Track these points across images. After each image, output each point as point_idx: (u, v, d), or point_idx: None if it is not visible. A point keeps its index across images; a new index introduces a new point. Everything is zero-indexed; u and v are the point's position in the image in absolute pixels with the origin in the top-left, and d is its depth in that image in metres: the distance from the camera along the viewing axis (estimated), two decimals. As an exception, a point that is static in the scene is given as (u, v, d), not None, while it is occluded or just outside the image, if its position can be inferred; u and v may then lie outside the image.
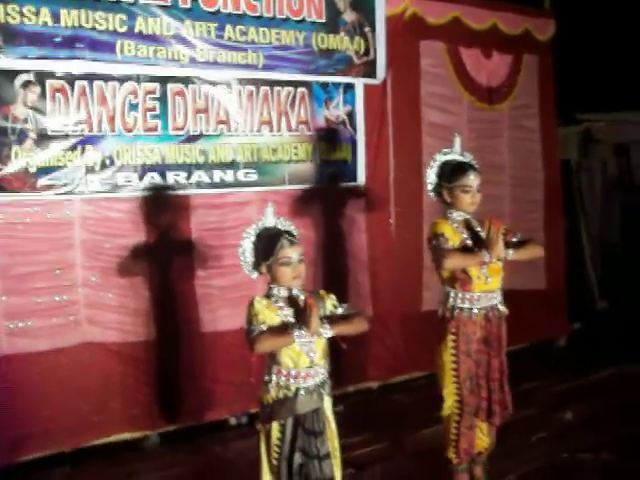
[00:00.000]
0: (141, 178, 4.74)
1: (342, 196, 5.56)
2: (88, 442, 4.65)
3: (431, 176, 3.86)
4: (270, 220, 3.23)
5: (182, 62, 4.78)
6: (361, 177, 5.60)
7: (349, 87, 5.49)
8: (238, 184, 5.10)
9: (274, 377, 3.10)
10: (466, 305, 3.71)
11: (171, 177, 4.84)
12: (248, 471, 4.32)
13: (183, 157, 4.88)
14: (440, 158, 3.86)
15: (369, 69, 5.53)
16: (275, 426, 3.11)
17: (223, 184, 5.04)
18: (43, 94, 4.41)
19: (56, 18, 4.34)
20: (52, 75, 4.43)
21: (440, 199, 3.84)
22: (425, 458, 4.47)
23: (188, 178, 4.90)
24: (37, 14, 4.29)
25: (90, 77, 4.54)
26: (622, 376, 5.96)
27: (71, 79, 4.48)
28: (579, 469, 4.31)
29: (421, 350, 5.84)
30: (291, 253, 3.11)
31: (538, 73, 6.68)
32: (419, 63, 5.89)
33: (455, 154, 3.87)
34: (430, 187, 3.88)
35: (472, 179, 3.70)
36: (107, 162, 4.63)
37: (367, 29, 5.47)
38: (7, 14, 4.21)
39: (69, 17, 4.38)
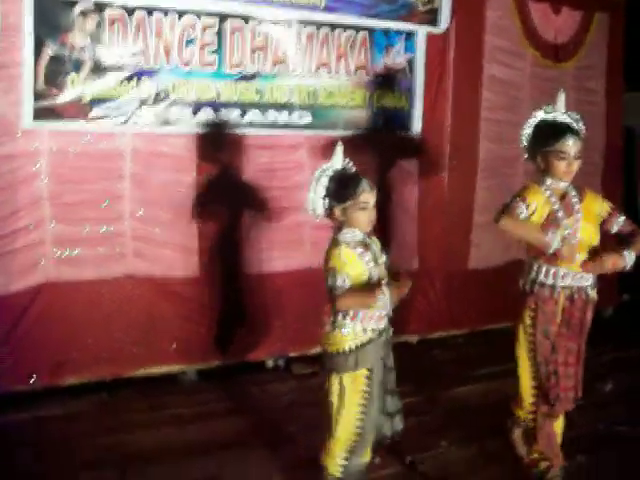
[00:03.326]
0: (194, 114, 4.70)
1: (396, 145, 5.45)
2: (127, 373, 4.73)
3: (526, 136, 3.42)
4: (339, 160, 3.13)
5: (242, -1, 4.70)
6: (417, 127, 5.48)
7: (411, 35, 5.33)
8: (292, 126, 5.03)
9: (348, 323, 3.06)
10: (549, 281, 3.36)
11: (225, 115, 4.79)
12: (280, 414, 4.45)
13: (238, 95, 4.82)
14: (538, 116, 3.41)
15: (432, 17, 5.36)
16: (362, 372, 3.08)
17: (277, 125, 4.98)
18: (101, 23, 4.37)
19: (117, -55, 4.29)
20: (111, 4, 4.37)
21: (534, 163, 3.42)
22: (458, 415, 4.48)
23: (242, 117, 4.84)
24: (98, -61, 4.24)
25: (148, 9, 4.47)
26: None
27: (130, 9, 4.42)
28: (614, 440, 4.24)
29: (463, 308, 5.85)
30: (370, 198, 3.06)
31: (608, 33, 6.39)
32: (485, 14, 5.68)
33: (557, 113, 3.38)
34: (524, 147, 3.47)
35: (570, 145, 3.25)
36: (161, 96, 4.59)
37: (432, -26, 5.30)
38: (68, -63, 4.17)
39: (129, -55, 4.32)
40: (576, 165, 3.31)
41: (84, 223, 4.53)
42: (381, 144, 5.34)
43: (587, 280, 3.38)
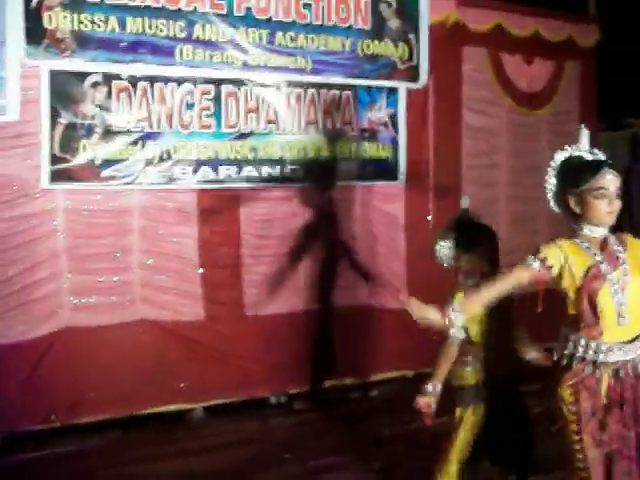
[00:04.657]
0: (195, 172, 5.18)
1: (383, 192, 5.89)
2: (139, 410, 5.11)
3: (551, 180, 2.92)
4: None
5: (235, 66, 5.20)
6: (402, 175, 5.92)
7: (392, 91, 5.82)
8: (285, 179, 5.50)
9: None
10: (589, 356, 2.78)
11: (223, 171, 5.26)
12: (280, 448, 4.78)
13: (234, 153, 5.29)
14: (562, 156, 2.92)
15: (412, 74, 5.85)
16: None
17: (271, 179, 5.44)
18: (109, 94, 4.89)
19: (122, 25, 4.82)
20: (118, 77, 4.91)
21: (566, 210, 2.87)
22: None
23: (238, 172, 5.31)
24: (106, 22, 4.77)
25: (151, 79, 5.00)
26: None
27: (134, 80, 4.95)
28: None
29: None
30: (609, 184, 2.72)
31: (580, 79, 6.86)
32: (461, 68, 6.18)
33: (582, 151, 2.92)
34: (550, 194, 2.94)
35: (609, 180, 2.75)
36: (165, 156, 5.08)
37: (411, 36, 5.79)
38: (80, 22, 4.71)
39: (134, 24, 4.86)
40: (617, 204, 2.78)
41: (97, 274, 4.98)
42: (368, 192, 5.80)
43: (636, 351, 2.80)
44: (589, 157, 2.88)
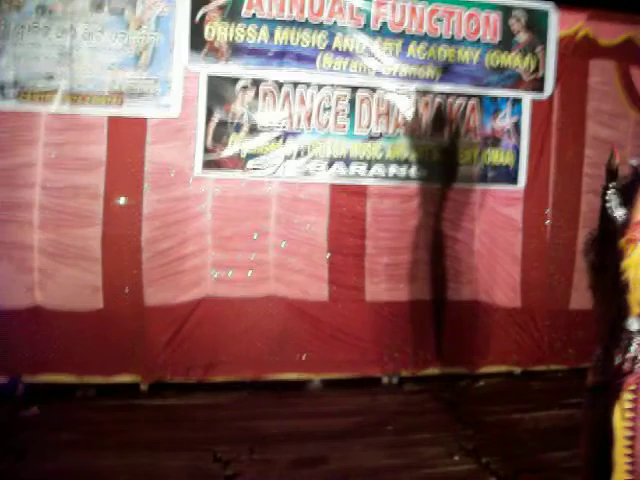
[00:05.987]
0: (329, 167, 5.78)
1: (503, 196, 6.25)
2: (263, 376, 5.77)
3: (614, 198, 3.05)
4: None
5: (370, 74, 5.76)
6: (522, 181, 6.25)
7: (517, 100, 6.15)
8: (410, 179, 5.98)
9: None
10: None
11: (354, 168, 5.83)
12: (383, 421, 5.27)
13: (365, 152, 5.85)
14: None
15: (537, 85, 6.16)
16: None
17: (397, 178, 5.95)
18: (256, 96, 5.59)
19: (271, 36, 5.50)
20: (265, 80, 5.59)
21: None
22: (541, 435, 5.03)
23: (368, 170, 5.86)
24: (257, 33, 5.47)
25: (294, 83, 5.65)
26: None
27: (279, 85, 5.62)
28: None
29: (563, 344, 6.40)
30: None
31: None
32: (587, 80, 6.37)
33: None
34: (615, 211, 3.06)
35: None
36: (302, 153, 5.72)
37: (538, 48, 6.09)
38: (235, 33, 5.43)
39: (281, 35, 5.52)
40: None
41: (237, 252, 5.68)
42: (489, 196, 6.18)
43: None
44: None
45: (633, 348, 2.88)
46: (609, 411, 2.95)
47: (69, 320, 5.30)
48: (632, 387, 2.88)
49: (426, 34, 5.83)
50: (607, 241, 3.10)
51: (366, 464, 4.49)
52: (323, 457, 4.57)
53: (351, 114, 5.80)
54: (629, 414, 2.88)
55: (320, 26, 5.60)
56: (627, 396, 2.88)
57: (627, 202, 3.01)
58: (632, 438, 2.87)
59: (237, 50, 5.46)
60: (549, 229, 6.36)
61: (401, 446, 4.79)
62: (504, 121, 6.14)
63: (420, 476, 4.37)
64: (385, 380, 6.12)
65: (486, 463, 4.52)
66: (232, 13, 5.42)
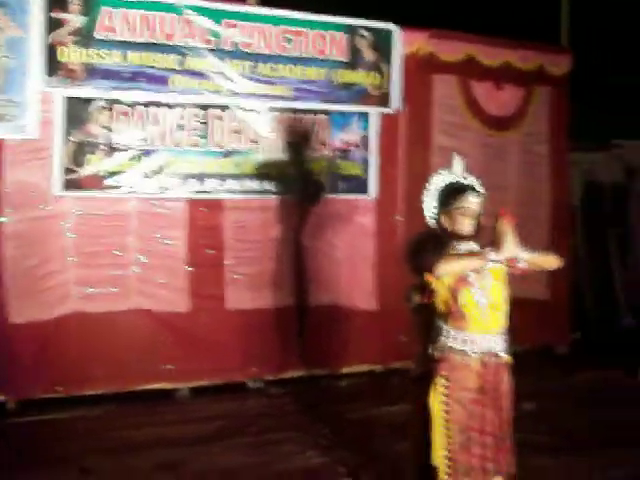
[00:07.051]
0: (185, 184, 6.02)
1: (355, 205, 6.64)
2: (132, 387, 5.92)
3: (427, 201, 3.48)
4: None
5: (222, 93, 6.03)
6: (372, 191, 6.65)
7: (364, 115, 6.55)
8: (267, 192, 6.29)
9: None
10: (458, 346, 3.32)
11: (209, 184, 6.09)
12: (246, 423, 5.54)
13: (220, 168, 6.12)
14: (437, 181, 3.47)
15: (384, 100, 6.58)
16: None
17: (253, 191, 6.24)
18: (112, 116, 5.77)
19: (124, 58, 5.69)
20: (118, 102, 5.78)
21: (440, 227, 3.44)
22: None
23: (223, 185, 6.13)
24: (110, 55, 5.65)
25: (147, 104, 5.87)
26: (605, 380, 6.65)
27: (133, 105, 5.83)
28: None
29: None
30: (471, 203, 3.32)
31: (550, 104, 7.41)
32: (432, 94, 6.85)
33: (454, 176, 3.47)
34: (427, 213, 3.49)
35: (471, 201, 3.33)
36: (159, 170, 5.93)
37: (384, 66, 6.51)
38: (88, 56, 5.59)
39: (134, 57, 5.72)
40: (476, 220, 3.37)
41: (100, 268, 5.83)
42: (343, 205, 6.56)
43: (497, 343, 3.34)
44: (459, 181, 3.44)
45: (442, 339, 3.37)
46: (428, 395, 3.39)
47: None
48: (444, 373, 3.33)
49: (276, 53, 6.15)
50: (422, 245, 3.47)
51: (224, 464, 4.76)
52: (184, 460, 4.80)
53: (205, 132, 6.06)
54: (444, 397, 3.32)
55: (172, 48, 5.83)
56: (441, 381, 3.33)
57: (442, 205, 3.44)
58: (447, 419, 3.31)
59: (92, 72, 5.62)
60: (400, 235, 6.72)
61: (259, 446, 5.06)
62: (353, 134, 6.52)
63: (274, 471, 4.67)
64: (250, 385, 6.38)
65: (339, 457, 4.83)
66: (86, 36, 5.58)
